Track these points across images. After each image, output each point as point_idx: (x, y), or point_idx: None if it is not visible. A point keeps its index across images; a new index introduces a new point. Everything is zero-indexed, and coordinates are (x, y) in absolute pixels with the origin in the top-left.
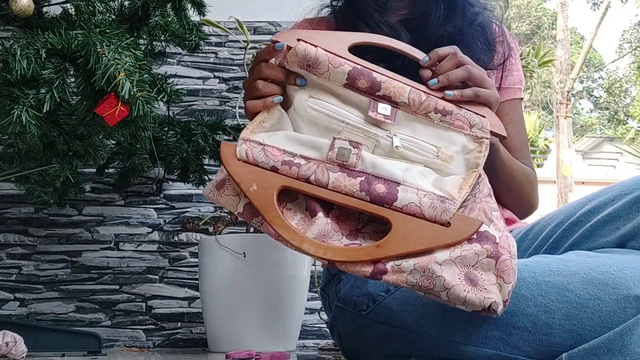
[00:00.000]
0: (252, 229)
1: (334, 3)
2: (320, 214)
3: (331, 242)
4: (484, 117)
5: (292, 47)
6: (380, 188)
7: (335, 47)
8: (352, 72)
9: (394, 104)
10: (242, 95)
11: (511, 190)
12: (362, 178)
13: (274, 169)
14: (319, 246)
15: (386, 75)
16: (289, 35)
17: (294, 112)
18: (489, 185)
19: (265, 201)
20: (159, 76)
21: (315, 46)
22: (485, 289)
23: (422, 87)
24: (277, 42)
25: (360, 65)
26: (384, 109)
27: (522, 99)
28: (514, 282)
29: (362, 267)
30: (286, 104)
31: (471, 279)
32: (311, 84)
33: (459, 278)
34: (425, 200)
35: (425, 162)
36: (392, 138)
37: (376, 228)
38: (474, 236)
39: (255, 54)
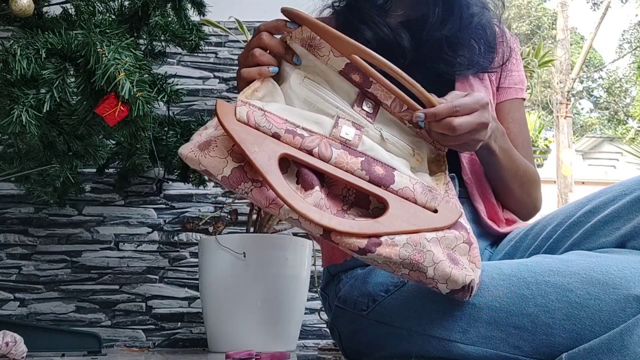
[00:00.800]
0: (252, 229)
1: (335, 4)
2: (317, 187)
3: (328, 214)
4: None
5: (292, 30)
6: (379, 170)
7: (341, 45)
8: (350, 65)
9: (379, 102)
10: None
11: (512, 190)
12: (363, 158)
13: (276, 136)
14: (323, 215)
15: (379, 81)
16: (299, 14)
17: (289, 88)
18: (455, 190)
19: (268, 164)
20: (159, 76)
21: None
22: (465, 267)
23: (408, 102)
24: (289, 16)
25: (357, 65)
26: (368, 106)
27: (524, 99)
28: (481, 269)
29: (357, 239)
30: (278, 79)
31: (453, 258)
32: (306, 65)
33: (444, 255)
34: (418, 187)
35: (405, 158)
36: (379, 131)
37: (359, 212)
38: (460, 239)
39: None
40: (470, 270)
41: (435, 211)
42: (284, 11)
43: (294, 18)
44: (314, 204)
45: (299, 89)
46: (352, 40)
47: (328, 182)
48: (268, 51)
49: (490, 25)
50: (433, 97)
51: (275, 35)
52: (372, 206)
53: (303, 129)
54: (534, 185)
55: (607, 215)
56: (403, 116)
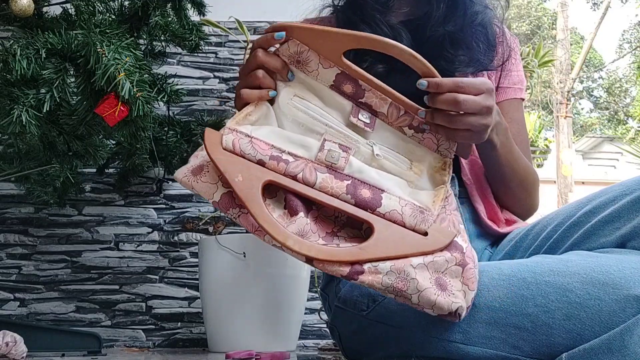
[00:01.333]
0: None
1: (336, 2)
2: (302, 214)
3: (309, 242)
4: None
5: (289, 39)
6: (365, 193)
7: (328, 48)
8: (340, 76)
9: (374, 112)
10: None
11: (511, 188)
12: (349, 182)
13: (261, 162)
14: (302, 243)
15: (371, 85)
16: (283, 24)
17: (278, 109)
18: (456, 201)
19: (250, 193)
20: (159, 76)
21: (308, 47)
22: (454, 294)
23: (404, 103)
24: (276, 31)
25: (348, 70)
26: (364, 116)
27: (522, 99)
28: (475, 290)
29: (339, 266)
30: (271, 100)
31: (441, 284)
32: (297, 81)
33: (431, 282)
34: (407, 209)
35: (400, 173)
36: (372, 146)
37: (351, 232)
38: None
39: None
40: (458, 296)
41: (426, 234)
42: (268, 30)
43: (279, 29)
44: (298, 231)
45: (287, 109)
46: (343, 30)
47: (318, 205)
48: (268, 69)
49: (491, 25)
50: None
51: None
52: (364, 226)
53: (289, 153)
54: (533, 184)
55: (608, 216)
56: (402, 123)
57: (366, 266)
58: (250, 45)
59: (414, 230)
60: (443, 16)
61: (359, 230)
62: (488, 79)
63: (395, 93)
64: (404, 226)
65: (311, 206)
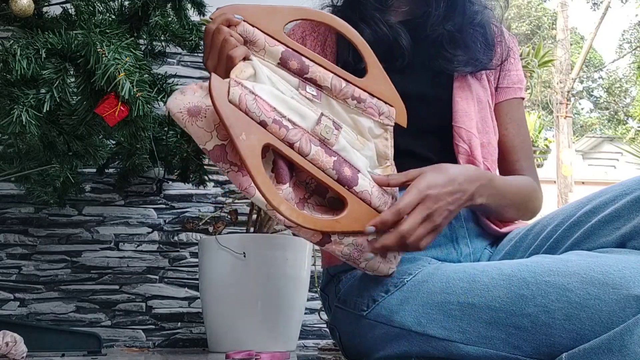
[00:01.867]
0: (252, 229)
1: (335, 2)
2: (288, 184)
3: (298, 210)
4: (392, 106)
5: (239, 22)
6: (347, 171)
7: (271, 24)
8: (285, 53)
9: (319, 87)
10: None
11: (511, 215)
12: (335, 158)
13: (263, 124)
14: (293, 210)
15: (314, 61)
16: (230, 9)
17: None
18: None
19: (253, 154)
20: (159, 76)
21: (254, 26)
22: (391, 260)
23: (345, 75)
24: (221, 16)
25: (292, 48)
26: (312, 89)
27: (522, 98)
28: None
29: (314, 235)
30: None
31: (383, 253)
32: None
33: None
34: (375, 190)
35: (351, 142)
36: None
37: (317, 200)
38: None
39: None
40: (393, 262)
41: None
42: (220, 12)
43: (231, 11)
44: (283, 197)
45: (263, 77)
46: (282, 5)
47: (297, 170)
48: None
49: (490, 24)
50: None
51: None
52: (328, 195)
53: (289, 120)
54: (532, 200)
55: (608, 215)
56: (345, 95)
57: (333, 237)
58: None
59: (376, 210)
60: (442, 15)
61: (323, 199)
62: (487, 79)
63: (337, 67)
64: (370, 205)
65: (292, 172)
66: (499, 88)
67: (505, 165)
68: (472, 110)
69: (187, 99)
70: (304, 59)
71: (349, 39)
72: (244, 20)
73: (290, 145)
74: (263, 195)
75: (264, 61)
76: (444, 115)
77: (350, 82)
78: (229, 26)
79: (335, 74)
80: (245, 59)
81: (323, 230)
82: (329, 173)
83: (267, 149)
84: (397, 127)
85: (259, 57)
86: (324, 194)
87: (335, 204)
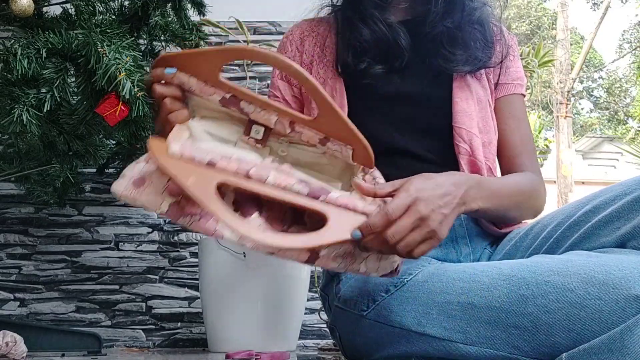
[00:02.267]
0: None
1: (334, 1)
2: (255, 214)
3: (271, 233)
4: (352, 148)
5: (173, 76)
6: (314, 183)
7: (209, 69)
8: (222, 101)
9: (266, 128)
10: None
11: (512, 217)
12: (297, 177)
13: (211, 163)
14: (266, 235)
15: (254, 104)
16: (162, 61)
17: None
18: None
19: (206, 192)
20: None
21: (189, 75)
22: (391, 255)
23: (293, 116)
24: (161, 63)
25: (229, 94)
26: (257, 132)
27: (523, 95)
28: None
29: (299, 254)
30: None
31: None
32: (197, 103)
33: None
34: (355, 195)
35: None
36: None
37: (299, 228)
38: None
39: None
40: (395, 257)
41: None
42: (158, 61)
43: (164, 63)
44: (255, 226)
45: (200, 136)
46: (212, 48)
47: (267, 206)
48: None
49: (489, 22)
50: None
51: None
52: (306, 217)
53: (236, 158)
54: (533, 198)
55: (608, 215)
56: (292, 137)
57: (322, 252)
58: (250, 45)
59: (364, 213)
60: (441, 12)
61: (305, 225)
62: (486, 78)
63: (277, 104)
64: (356, 210)
65: (260, 209)
66: (498, 84)
67: (505, 162)
68: (472, 110)
69: (127, 176)
70: (242, 104)
71: (292, 74)
72: (179, 71)
73: (246, 175)
74: (230, 227)
75: (206, 111)
76: (444, 116)
77: (298, 123)
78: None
79: (279, 116)
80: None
81: (307, 247)
82: (297, 189)
83: (222, 193)
84: (397, 127)
85: (203, 100)
86: (303, 220)
87: (320, 225)
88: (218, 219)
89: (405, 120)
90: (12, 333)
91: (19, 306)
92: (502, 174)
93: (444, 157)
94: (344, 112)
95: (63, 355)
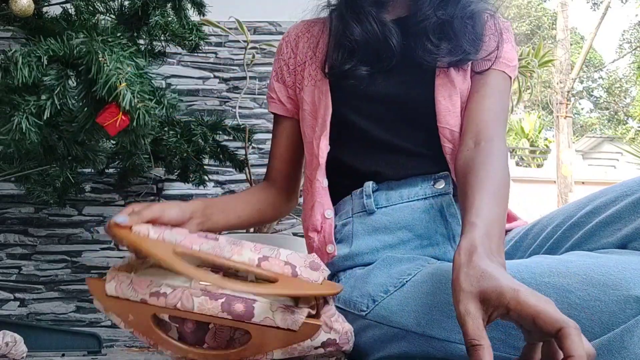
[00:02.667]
0: (252, 229)
1: (330, 2)
2: (205, 342)
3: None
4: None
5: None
6: (239, 307)
7: (161, 251)
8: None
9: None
10: (238, 106)
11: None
12: (223, 299)
13: (143, 301)
14: (202, 353)
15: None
16: (116, 233)
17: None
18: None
19: (145, 327)
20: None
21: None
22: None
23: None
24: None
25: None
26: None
27: (509, 76)
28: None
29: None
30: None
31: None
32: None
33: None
34: (278, 314)
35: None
36: None
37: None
38: (320, 343)
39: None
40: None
41: (294, 331)
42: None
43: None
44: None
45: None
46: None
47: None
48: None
49: (481, 15)
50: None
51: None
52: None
53: (167, 285)
54: (507, 188)
55: (609, 217)
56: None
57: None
58: (251, 45)
59: (286, 330)
60: (436, 4)
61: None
62: (472, 70)
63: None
64: (278, 327)
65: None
66: (480, 60)
67: (476, 134)
68: (457, 108)
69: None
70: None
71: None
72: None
73: (174, 308)
74: (179, 349)
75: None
76: (428, 115)
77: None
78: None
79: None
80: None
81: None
82: (221, 316)
83: (159, 319)
84: (383, 125)
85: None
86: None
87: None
88: (162, 348)
89: (390, 120)
90: (12, 333)
91: (19, 306)
92: (465, 153)
93: (433, 152)
94: (329, 113)
95: (63, 355)
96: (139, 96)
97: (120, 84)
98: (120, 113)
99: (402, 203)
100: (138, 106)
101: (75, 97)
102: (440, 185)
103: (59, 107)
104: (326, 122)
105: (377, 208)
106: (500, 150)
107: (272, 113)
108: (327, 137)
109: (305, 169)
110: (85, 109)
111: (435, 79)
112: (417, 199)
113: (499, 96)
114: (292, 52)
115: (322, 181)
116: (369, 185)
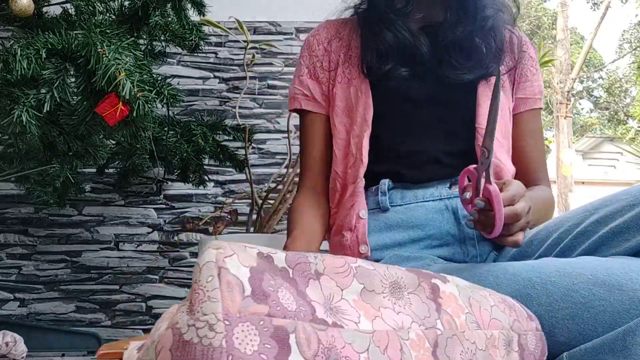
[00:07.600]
0: (252, 229)
1: (357, 4)
2: None
3: None
4: None
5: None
6: None
7: None
8: None
9: None
10: (238, 106)
11: (533, 224)
12: None
13: None
14: None
15: None
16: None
17: None
18: None
19: None
20: (159, 77)
21: None
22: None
23: None
24: None
25: None
26: None
27: (541, 108)
28: None
29: None
30: None
31: None
32: None
33: None
34: None
35: None
36: None
37: None
38: None
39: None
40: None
41: None
42: None
43: None
44: None
45: None
46: None
47: None
48: None
49: (500, 29)
50: None
51: None
52: None
53: None
54: (550, 213)
55: (617, 227)
56: None
57: None
58: (250, 45)
59: None
60: (455, 22)
61: None
62: (507, 85)
63: None
64: None
65: None
66: (519, 98)
67: (524, 176)
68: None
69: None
70: None
71: None
72: None
73: None
74: None
75: None
76: (468, 119)
77: None
78: None
79: None
80: None
81: None
82: None
83: None
84: (419, 129)
85: None
86: None
87: None
88: None
89: (427, 123)
90: (12, 333)
91: (19, 306)
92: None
93: (462, 162)
94: (370, 112)
95: (63, 355)
96: (138, 85)
97: (120, 73)
98: (120, 103)
99: (416, 203)
100: (138, 96)
101: (75, 90)
102: (457, 188)
103: (58, 101)
104: (367, 121)
105: (391, 206)
106: (551, 193)
107: (303, 111)
108: (369, 136)
109: (334, 167)
110: (85, 101)
111: (478, 86)
112: (432, 200)
113: (541, 133)
114: (326, 50)
115: (363, 180)
116: (385, 183)
